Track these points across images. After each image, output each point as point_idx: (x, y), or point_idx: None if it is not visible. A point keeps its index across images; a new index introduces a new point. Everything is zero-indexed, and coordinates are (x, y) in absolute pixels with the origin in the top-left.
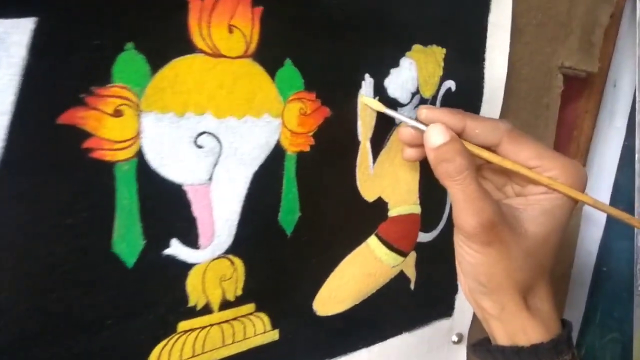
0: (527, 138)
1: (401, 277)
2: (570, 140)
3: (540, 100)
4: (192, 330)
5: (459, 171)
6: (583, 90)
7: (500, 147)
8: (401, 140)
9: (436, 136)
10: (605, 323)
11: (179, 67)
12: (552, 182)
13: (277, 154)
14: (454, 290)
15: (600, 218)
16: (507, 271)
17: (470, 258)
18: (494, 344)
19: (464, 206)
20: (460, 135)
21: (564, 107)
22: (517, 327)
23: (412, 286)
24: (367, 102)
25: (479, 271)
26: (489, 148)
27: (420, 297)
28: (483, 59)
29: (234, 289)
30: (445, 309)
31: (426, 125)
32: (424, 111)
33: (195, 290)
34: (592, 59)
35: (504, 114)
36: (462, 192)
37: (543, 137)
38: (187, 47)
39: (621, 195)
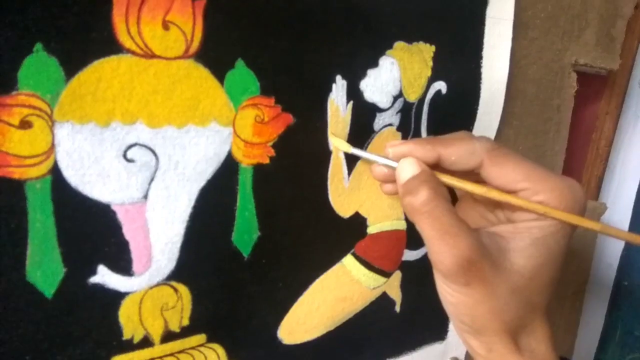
0: (511, 157)
1: (384, 299)
2: (589, 143)
3: (550, 102)
4: None
5: (424, 203)
6: (603, 89)
7: (483, 169)
8: (375, 178)
9: (404, 170)
10: (625, 342)
11: (102, 71)
12: (549, 210)
13: (229, 167)
14: None
15: (622, 227)
16: (492, 312)
17: (450, 298)
18: None
19: (435, 243)
20: (436, 166)
21: (581, 108)
22: None
23: (397, 309)
24: (335, 143)
25: (460, 312)
26: (471, 172)
27: (407, 320)
28: (480, 57)
29: (179, 318)
30: (437, 332)
31: (397, 161)
32: (390, 150)
33: (131, 321)
34: (613, 55)
35: (508, 118)
36: (430, 228)
37: (554, 142)
38: (111, 47)
39: None
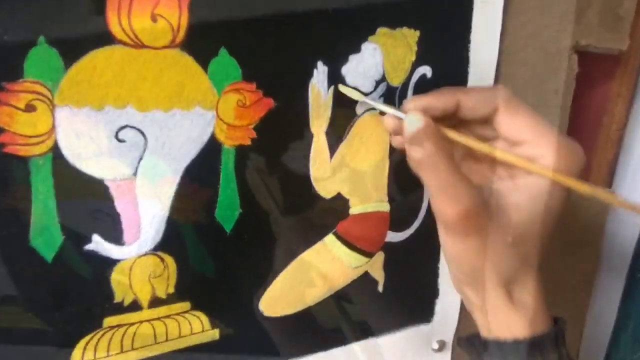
0: (524, 109)
1: (366, 278)
2: (599, 127)
3: (545, 86)
4: (119, 326)
5: (428, 155)
6: (615, 70)
7: (497, 116)
8: (386, 129)
9: (410, 123)
10: (638, 336)
11: (97, 60)
12: (543, 170)
13: (212, 148)
14: (434, 294)
15: (637, 216)
16: (488, 262)
17: (450, 248)
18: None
19: (437, 195)
20: (454, 114)
21: (591, 90)
22: (501, 321)
23: (380, 288)
24: (346, 92)
25: (460, 261)
26: (486, 119)
27: (390, 301)
28: (468, 41)
29: (165, 286)
30: (423, 313)
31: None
32: (411, 104)
33: (121, 286)
34: (620, 35)
35: None
36: (434, 180)
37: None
38: (105, 38)
39: None
